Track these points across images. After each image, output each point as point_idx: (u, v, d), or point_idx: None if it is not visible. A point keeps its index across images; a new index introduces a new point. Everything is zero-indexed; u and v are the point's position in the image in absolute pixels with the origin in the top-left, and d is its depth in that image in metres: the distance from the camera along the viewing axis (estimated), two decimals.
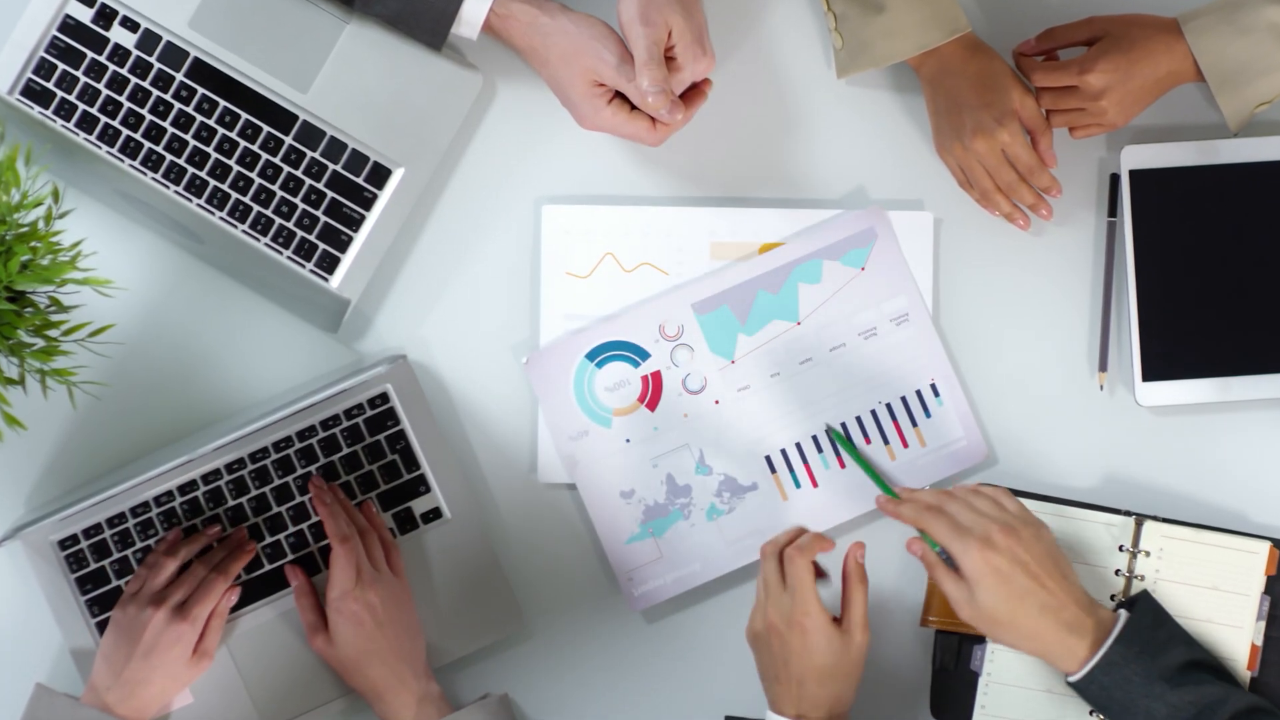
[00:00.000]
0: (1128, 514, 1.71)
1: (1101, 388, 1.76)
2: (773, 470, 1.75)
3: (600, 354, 1.74)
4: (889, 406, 1.75)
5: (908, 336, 1.75)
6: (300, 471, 1.72)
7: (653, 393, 1.74)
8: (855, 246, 1.75)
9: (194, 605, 1.66)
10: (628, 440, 1.74)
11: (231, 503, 1.72)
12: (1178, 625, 1.62)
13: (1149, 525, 1.70)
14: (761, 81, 1.76)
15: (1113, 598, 1.70)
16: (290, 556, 1.73)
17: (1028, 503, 1.70)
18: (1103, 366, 1.75)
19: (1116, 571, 1.70)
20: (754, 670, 1.67)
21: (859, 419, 1.75)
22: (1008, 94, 1.67)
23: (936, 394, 1.75)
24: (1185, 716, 1.57)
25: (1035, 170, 1.68)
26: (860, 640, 1.61)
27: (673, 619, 1.75)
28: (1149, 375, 1.74)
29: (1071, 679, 1.59)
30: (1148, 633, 1.59)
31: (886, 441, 1.75)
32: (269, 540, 1.73)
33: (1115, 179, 1.75)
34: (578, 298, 1.75)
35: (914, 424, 1.75)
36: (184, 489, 1.72)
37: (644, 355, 1.75)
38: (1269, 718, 1.58)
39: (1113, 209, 1.75)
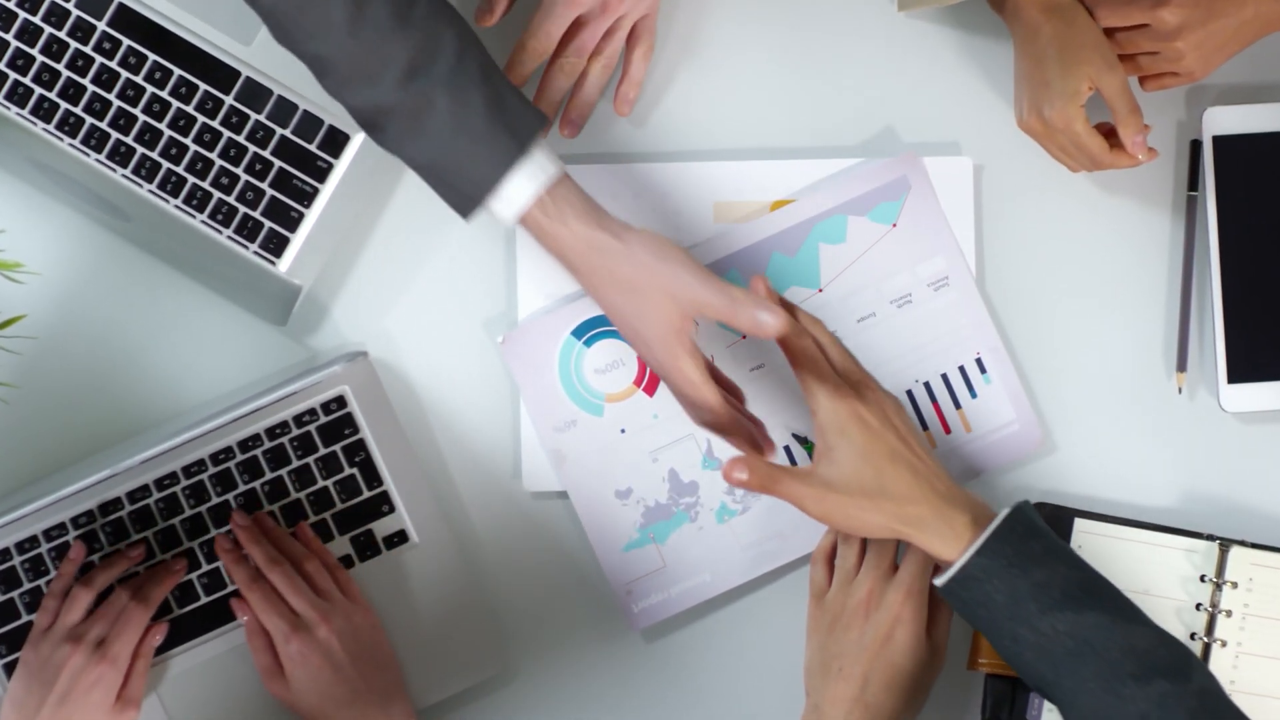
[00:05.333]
0: (1210, 538, 1.65)
1: (1180, 390, 1.70)
2: (793, 462, 1.69)
3: (588, 330, 1.69)
4: (927, 386, 1.70)
5: (948, 304, 1.69)
6: (243, 488, 1.67)
7: (651, 375, 1.69)
8: (885, 199, 1.69)
9: (114, 642, 1.62)
10: (623, 430, 1.69)
11: (162, 524, 1.67)
12: (1060, 542, 1.54)
13: (1235, 551, 1.65)
14: (765, 11, 1.71)
15: (1193, 636, 1.63)
16: (231, 587, 1.68)
17: (1092, 524, 1.65)
18: (1181, 366, 1.70)
19: (1198, 606, 1.64)
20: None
21: None
22: (1077, 69, 1.60)
23: (983, 370, 1.70)
24: (1061, 649, 1.49)
25: (1102, 163, 1.61)
26: (938, 663, 1.59)
27: (680, 639, 1.71)
28: (1235, 376, 1.70)
29: (941, 579, 1.52)
30: (1019, 543, 1.51)
31: (926, 427, 1.69)
32: (206, 569, 1.68)
33: (1196, 146, 1.70)
34: (561, 276, 1.69)
35: (957, 406, 1.70)
36: (106, 508, 1.67)
37: None
38: (1172, 653, 1.48)
39: (1193, 181, 1.71)
